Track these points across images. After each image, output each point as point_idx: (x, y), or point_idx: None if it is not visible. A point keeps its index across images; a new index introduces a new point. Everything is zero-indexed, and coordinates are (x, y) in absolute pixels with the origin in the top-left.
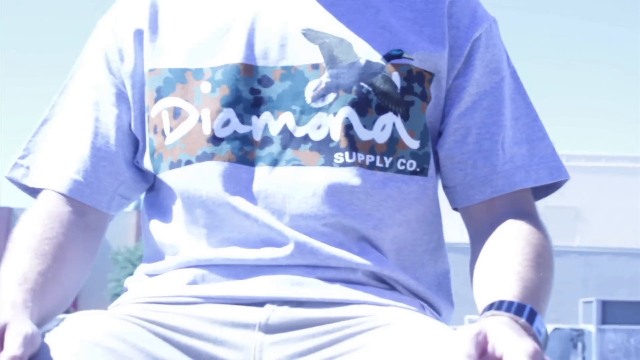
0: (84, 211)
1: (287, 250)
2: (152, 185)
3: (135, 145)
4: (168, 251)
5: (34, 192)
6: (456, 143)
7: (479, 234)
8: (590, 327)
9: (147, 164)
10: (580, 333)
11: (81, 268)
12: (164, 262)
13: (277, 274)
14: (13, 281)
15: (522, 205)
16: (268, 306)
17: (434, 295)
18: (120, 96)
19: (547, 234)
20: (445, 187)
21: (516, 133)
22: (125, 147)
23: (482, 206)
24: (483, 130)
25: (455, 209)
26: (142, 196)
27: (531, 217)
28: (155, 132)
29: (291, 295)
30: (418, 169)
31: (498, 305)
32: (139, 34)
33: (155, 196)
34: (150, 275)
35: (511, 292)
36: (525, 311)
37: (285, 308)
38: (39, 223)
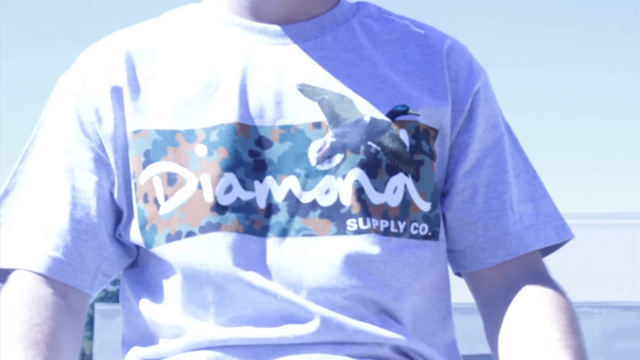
0: (66, 292)
1: (313, 326)
2: (135, 261)
3: (117, 216)
4: (164, 333)
5: None
6: (465, 203)
7: (493, 299)
8: None
9: (134, 237)
10: None
11: (73, 356)
12: (163, 346)
13: (301, 353)
14: None
15: (536, 267)
16: None
17: None
18: (99, 161)
19: (569, 296)
20: (450, 251)
21: (520, 191)
22: (107, 218)
23: (495, 270)
24: (491, 189)
25: (457, 274)
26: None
27: (549, 280)
28: (145, 201)
29: None
30: (430, 233)
31: None
32: (116, 91)
33: (141, 273)
34: None
35: None
36: None
37: None
38: (22, 308)
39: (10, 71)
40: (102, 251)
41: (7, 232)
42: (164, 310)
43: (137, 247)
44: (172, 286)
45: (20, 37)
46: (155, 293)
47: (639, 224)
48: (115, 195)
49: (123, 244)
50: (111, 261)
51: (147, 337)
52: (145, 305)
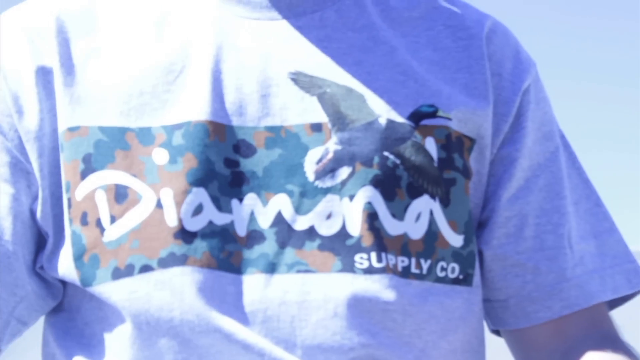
0: None
1: None
2: (61, 304)
3: (39, 242)
4: None
5: None
6: (509, 238)
7: None
8: None
9: (65, 270)
10: None
11: None
12: None
13: None
14: None
15: (602, 324)
16: None
17: None
18: (16, 167)
19: None
20: (487, 301)
21: (580, 223)
22: (25, 245)
23: (548, 327)
24: (543, 220)
25: (495, 331)
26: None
27: (619, 342)
28: (84, 222)
29: None
30: (461, 276)
31: None
32: (44, 74)
33: (70, 320)
34: None
35: None
36: None
37: None
38: None
39: None
40: (18, 289)
41: None
42: None
43: (65, 284)
44: (117, 339)
45: None
46: (92, 347)
47: None
48: (38, 214)
49: (45, 281)
50: (28, 303)
51: None
52: None
